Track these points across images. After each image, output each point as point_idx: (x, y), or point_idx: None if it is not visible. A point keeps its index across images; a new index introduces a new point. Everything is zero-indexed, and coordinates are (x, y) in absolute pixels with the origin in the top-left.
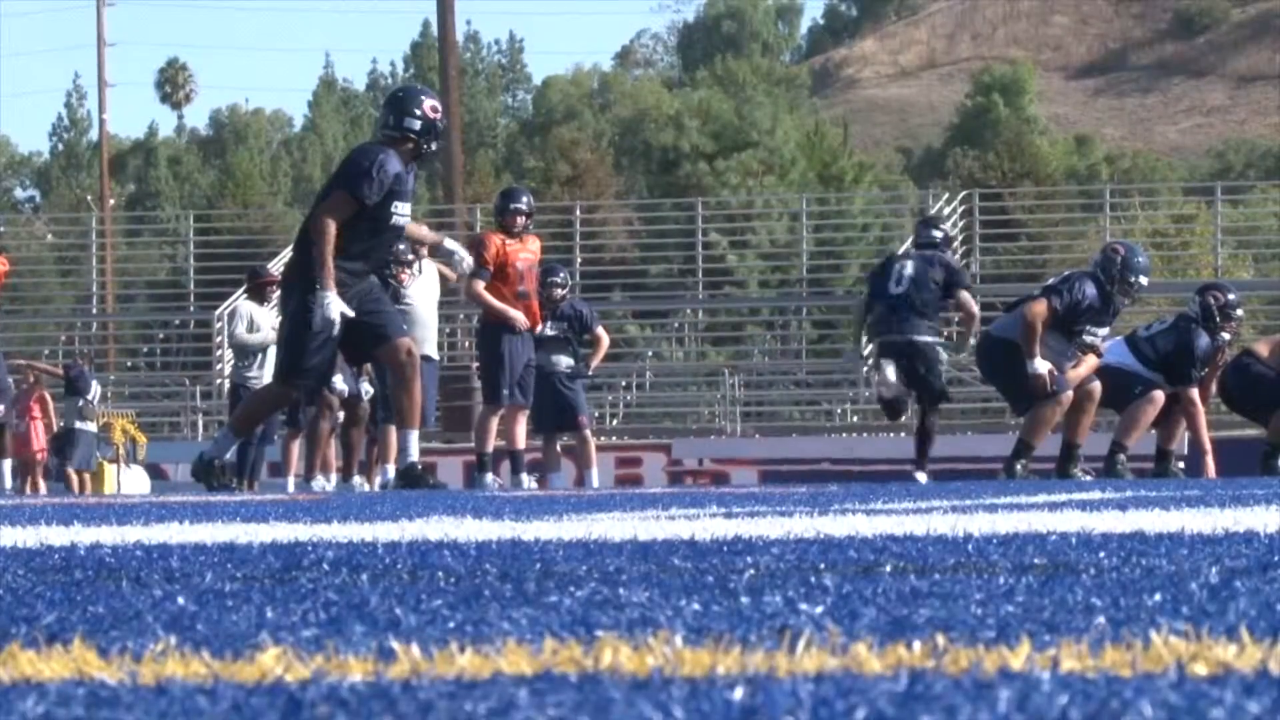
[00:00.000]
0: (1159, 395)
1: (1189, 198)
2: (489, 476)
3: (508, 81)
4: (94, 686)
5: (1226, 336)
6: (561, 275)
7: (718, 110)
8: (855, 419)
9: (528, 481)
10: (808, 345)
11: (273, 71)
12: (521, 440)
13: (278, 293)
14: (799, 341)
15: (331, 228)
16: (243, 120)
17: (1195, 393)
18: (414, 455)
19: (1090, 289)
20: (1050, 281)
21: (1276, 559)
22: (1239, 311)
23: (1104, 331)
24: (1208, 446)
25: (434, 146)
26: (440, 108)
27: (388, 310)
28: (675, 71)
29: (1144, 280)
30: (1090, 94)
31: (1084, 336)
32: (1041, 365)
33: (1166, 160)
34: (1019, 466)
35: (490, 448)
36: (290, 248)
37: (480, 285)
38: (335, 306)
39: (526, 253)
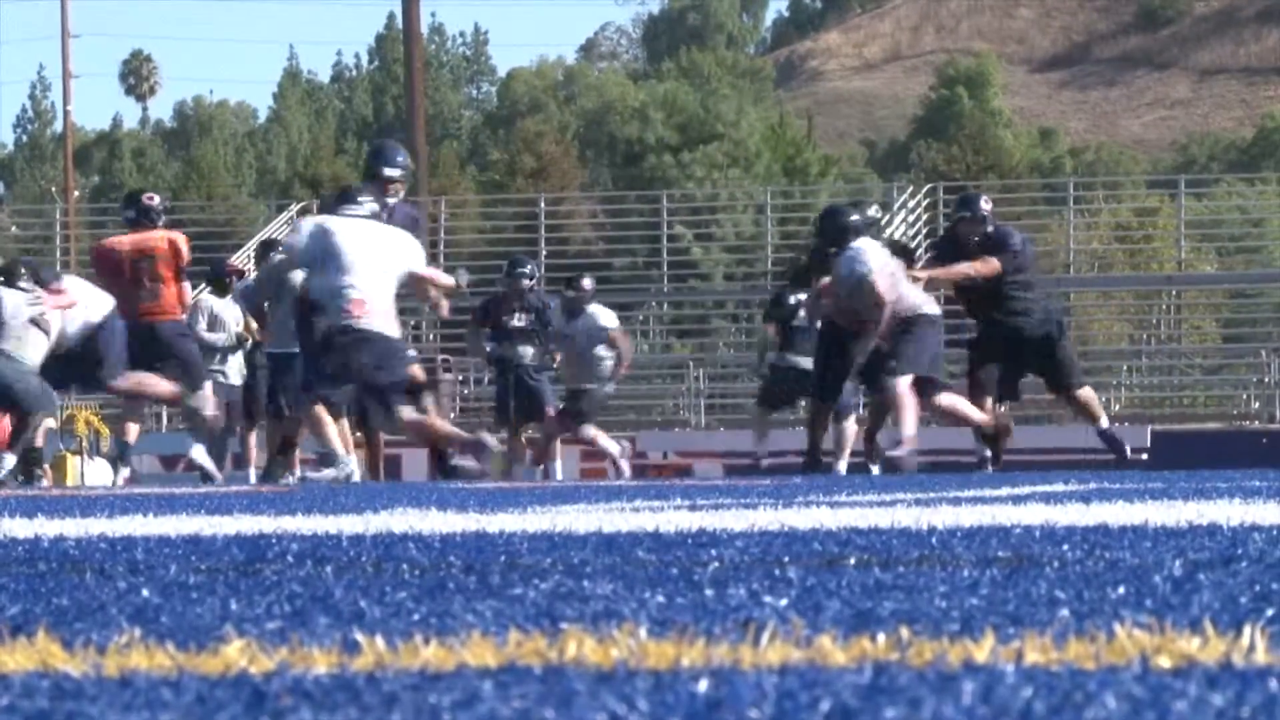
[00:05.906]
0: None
1: (1152, 190)
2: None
3: (472, 73)
4: (58, 679)
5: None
6: (529, 267)
7: (682, 103)
8: None
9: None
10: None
11: (237, 63)
12: None
13: (239, 285)
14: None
15: None
16: (207, 112)
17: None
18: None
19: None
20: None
21: (1239, 552)
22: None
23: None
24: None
25: None
26: None
27: None
28: (640, 64)
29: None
30: (1054, 87)
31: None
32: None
33: (1130, 153)
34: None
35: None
36: (253, 241)
37: None
38: None
39: None
